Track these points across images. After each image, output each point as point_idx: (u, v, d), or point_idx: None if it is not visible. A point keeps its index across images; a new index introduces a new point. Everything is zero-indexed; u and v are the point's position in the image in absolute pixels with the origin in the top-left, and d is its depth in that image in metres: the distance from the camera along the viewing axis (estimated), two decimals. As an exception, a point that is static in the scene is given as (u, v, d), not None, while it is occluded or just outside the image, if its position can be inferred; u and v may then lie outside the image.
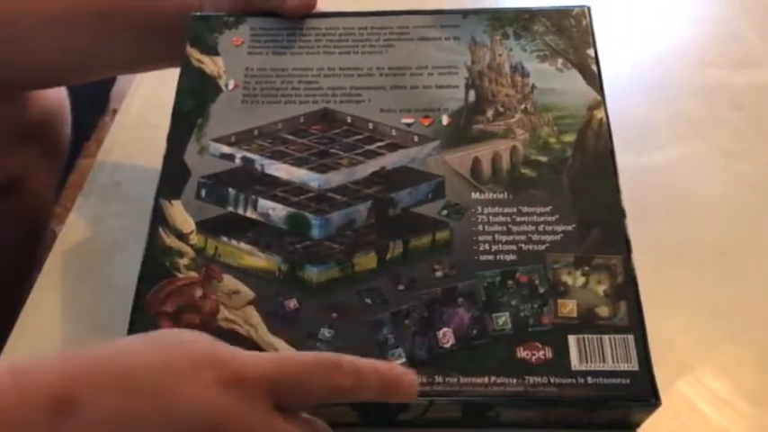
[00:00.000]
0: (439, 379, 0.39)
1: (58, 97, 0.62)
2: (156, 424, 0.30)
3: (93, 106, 0.69)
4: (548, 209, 0.44)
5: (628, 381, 0.38)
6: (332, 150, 0.47)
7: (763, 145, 0.56)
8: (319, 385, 0.32)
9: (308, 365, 0.32)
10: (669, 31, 0.66)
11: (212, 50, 0.51)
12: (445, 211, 0.44)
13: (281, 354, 0.34)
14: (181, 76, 0.50)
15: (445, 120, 0.48)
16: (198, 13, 0.52)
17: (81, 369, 0.30)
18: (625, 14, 0.67)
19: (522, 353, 0.39)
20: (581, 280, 0.42)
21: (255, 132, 0.48)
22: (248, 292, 0.42)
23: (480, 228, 0.43)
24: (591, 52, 0.50)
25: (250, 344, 0.40)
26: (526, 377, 0.39)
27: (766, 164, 0.55)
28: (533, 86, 0.49)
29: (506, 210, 0.44)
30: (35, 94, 0.59)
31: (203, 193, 0.46)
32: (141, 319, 0.41)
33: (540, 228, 0.43)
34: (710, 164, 0.55)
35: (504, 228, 0.43)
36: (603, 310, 0.41)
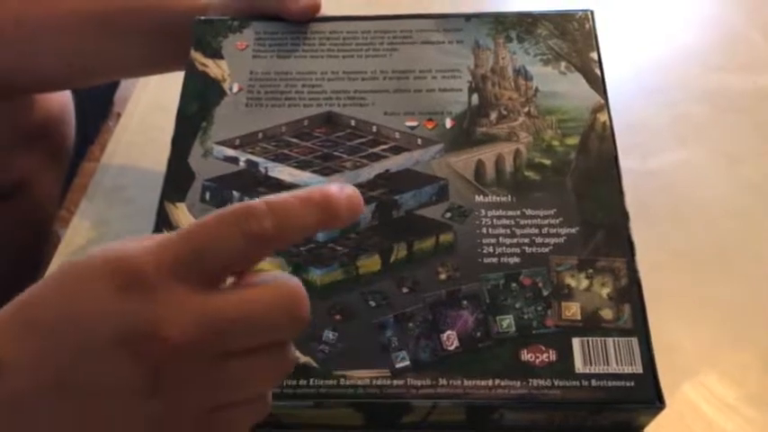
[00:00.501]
0: (443, 381, 0.39)
1: (62, 100, 0.63)
2: (73, 351, 0.27)
3: (97, 110, 0.69)
4: (551, 211, 0.44)
5: (632, 383, 0.38)
6: (336, 153, 0.47)
7: (767, 148, 0.56)
8: (233, 242, 0.27)
9: (211, 228, 0.28)
10: (673, 34, 0.66)
11: (216, 54, 0.51)
12: (449, 214, 0.44)
13: (180, 229, 0.29)
14: (185, 79, 0.50)
15: (449, 123, 0.48)
16: (202, 18, 0.53)
17: None
18: (629, 18, 0.67)
19: (525, 355, 0.39)
20: (585, 283, 0.42)
21: (259, 135, 0.48)
22: (252, 295, 0.42)
23: (484, 230, 0.43)
24: (594, 56, 0.50)
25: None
26: (530, 379, 0.39)
27: (770, 167, 0.55)
28: (536, 90, 0.49)
29: (510, 212, 0.44)
30: (39, 97, 0.59)
31: (207, 195, 0.46)
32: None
33: (544, 230, 0.43)
34: (714, 167, 0.55)
35: (508, 230, 0.43)
36: (607, 313, 0.41)
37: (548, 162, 0.46)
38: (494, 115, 0.48)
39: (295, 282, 0.29)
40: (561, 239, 0.43)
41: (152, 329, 0.27)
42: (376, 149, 0.47)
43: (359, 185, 0.45)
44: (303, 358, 0.39)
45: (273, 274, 0.30)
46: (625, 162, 0.45)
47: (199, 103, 0.49)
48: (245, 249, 0.28)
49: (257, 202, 0.28)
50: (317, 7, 0.52)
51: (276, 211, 0.28)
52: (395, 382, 0.39)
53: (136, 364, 0.27)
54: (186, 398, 0.28)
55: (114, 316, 0.27)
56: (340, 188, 0.29)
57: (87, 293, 0.28)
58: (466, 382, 0.39)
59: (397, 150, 0.47)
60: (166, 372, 0.27)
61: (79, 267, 0.29)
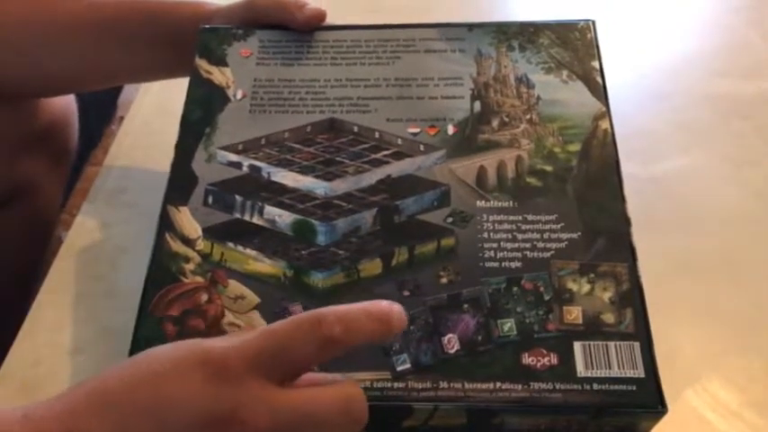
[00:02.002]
0: (444, 384, 0.39)
1: (65, 103, 0.63)
2: (155, 428, 0.30)
3: (100, 114, 0.69)
4: (553, 217, 0.44)
5: (634, 387, 0.38)
6: (338, 159, 0.47)
7: (771, 154, 0.56)
8: (307, 345, 0.32)
9: (289, 330, 0.32)
10: (676, 40, 0.66)
11: (221, 61, 0.52)
12: (450, 219, 0.44)
13: (261, 328, 0.33)
14: (189, 86, 0.51)
15: (451, 129, 0.48)
16: (207, 26, 0.53)
17: (79, 402, 0.31)
18: (633, 24, 0.68)
19: (527, 359, 0.39)
20: (586, 287, 0.41)
21: (263, 141, 0.48)
22: (253, 297, 0.42)
23: (485, 235, 0.43)
24: (596, 64, 0.50)
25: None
26: (531, 383, 0.38)
27: (773, 172, 0.55)
28: (538, 97, 0.49)
29: (511, 218, 0.44)
30: (43, 101, 0.60)
31: (210, 199, 0.46)
32: (147, 323, 0.41)
33: (546, 235, 0.43)
34: (718, 173, 0.55)
35: (510, 235, 0.43)
36: (609, 317, 0.40)
37: (549, 168, 0.46)
38: (496, 122, 0.49)
39: (355, 385, 0.33)
40: (563, 244, 0.43)
41: (233, 415, 0.30)
42: (378, 155, 0.47)
43: (361, 190, 0.46)
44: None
45: (334, 376, 0.34)
46: (628, 168, 0.45)
47: (203, 109, 0.50)
48: (316, 352, 0.32)
49: (327, 311, 0.33)
50: (322, 17, 0.53)
51: (343, 320, 0.32)
52: (396, 384, 0.39)
53: None
54: None
55: (200, 400, 0.30)
56: (390, 304, 0.34)
57: (174, 379, 0.31)
58: (467, 385, 0.38)
59: (399, 156, 0.47)
60: None
61: (163, 356, 0.32)
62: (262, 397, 0.31)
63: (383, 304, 0.34)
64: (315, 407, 0.32)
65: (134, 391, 0.31)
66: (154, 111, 0.61)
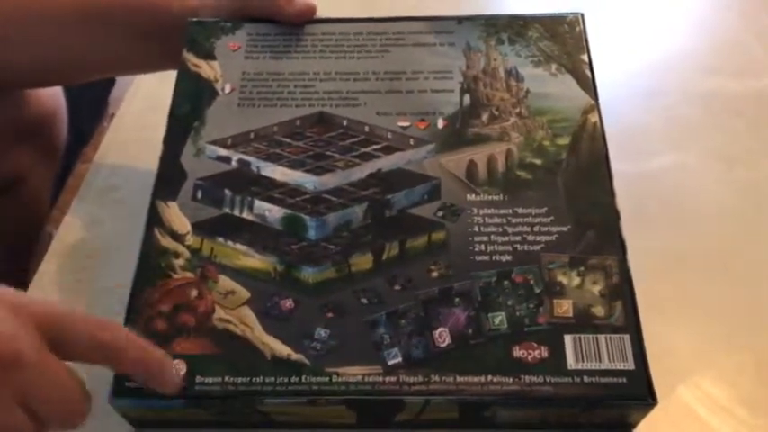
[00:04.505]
0: (435, 378, 0.39)
1: (54, 98, 0.62)
2: None
3: (91, 111, 0.69)
4: (543, 210, 0.44)
5: (624, 380, 0.38)
6: (328, 153, 0.47)
7: (762, 152, 0.56)
8: (82, 336, 0.34)
9: (77, 318, 0.35)
10: (667, 37, 0.66)
11: (209, 55, 0.51)
12: (441, 213, 0.44)
13: (54, 302, 0.37)
14: (177, 80, 0.50)
15: (441, 123, 0.48)
16: (195, 19, 0.53)
17: None
18: (624, 21, 0.67)
19: (518, 352, 0.39)
20: (576, 280, 0.42)
21: (251, 135, 0.48)
22: (244, 293, 0.42)
23: (476, 229, 0.43)
24: (585, 57, 0.51)
25: (245, 344, 0.40)
26: (522, 376, 0.39)
27: (765, 170, 0.55)
28: (528, 91, 0.49)
29: (502, 211, 0.44)
30: (31, 94, 0.59)
31: (199, 194, 0.46)
32: (136, 320, 0.41)
33: (536, 229, 0.43)
34: (709, 170, 0.55)
35: (500, 229, 0.43)
36: (599, 310, 0.41)
37: (539, 162, 0.46)
38: (485, 116, 0.49)
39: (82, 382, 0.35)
40: (553, 237, 0.43)
41: (7, 340, 0.32)
42: (368, 149, 0.47)
43: (351, 185, 0.46)
44: (295, 355, 0.39)
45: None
46: (619, 165, 0.45)
47: (191, 103, 0.49)
48: (86, 345, 0.34)
49: (116, 326, 0.35)
50: (312, 10, 0.52)
51: (120, 339, 0.35)
52: (387, 378, 0.39)
53: None
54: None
55: None
56: (169, 361, 0.37)
57: None
58: (458, 379, 0.39)
59: (389, 150, 0.47)
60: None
61: None
62: (32, 344, 0.33)
63: (165, 360, 0.36)
64: (62, 375, 0.34)
65: None
66: (145, 107, 0.60)
